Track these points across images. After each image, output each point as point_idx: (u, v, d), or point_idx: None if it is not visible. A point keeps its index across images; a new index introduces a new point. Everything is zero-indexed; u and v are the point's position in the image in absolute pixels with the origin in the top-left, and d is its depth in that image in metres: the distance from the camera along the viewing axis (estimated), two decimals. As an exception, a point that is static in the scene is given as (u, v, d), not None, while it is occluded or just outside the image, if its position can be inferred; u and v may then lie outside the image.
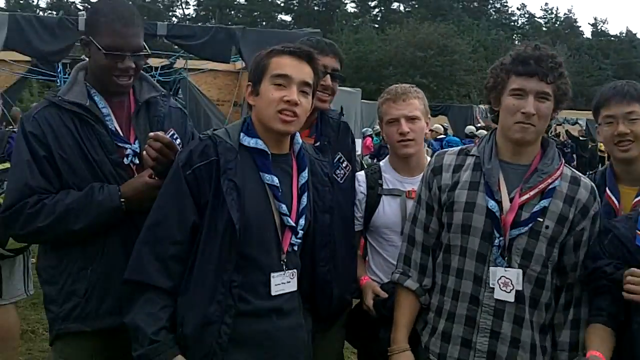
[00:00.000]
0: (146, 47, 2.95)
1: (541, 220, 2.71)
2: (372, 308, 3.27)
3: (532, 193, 2.71)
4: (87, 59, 2.94)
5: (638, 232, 2.62)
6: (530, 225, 2.70)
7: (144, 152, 2.73)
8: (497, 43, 65.39)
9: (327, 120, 3.39)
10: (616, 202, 3.04)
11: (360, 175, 3.54)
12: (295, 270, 2.69)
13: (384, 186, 3.47)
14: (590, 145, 22.86)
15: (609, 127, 3.09)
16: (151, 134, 2.74)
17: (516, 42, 76.57)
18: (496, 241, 2.71)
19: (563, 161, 2.84)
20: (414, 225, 3.01)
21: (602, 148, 22.17)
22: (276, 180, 2.59)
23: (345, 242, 3.31)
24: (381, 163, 3.63)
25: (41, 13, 56.64)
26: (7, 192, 2.82)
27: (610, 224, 2.77)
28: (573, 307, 2.83)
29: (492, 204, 2.72)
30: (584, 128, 24.97)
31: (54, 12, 62.14)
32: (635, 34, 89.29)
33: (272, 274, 2.59)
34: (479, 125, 21.32)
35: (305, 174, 2.74)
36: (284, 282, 2.62)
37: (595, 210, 2.81)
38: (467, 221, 2.78)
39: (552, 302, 2.82)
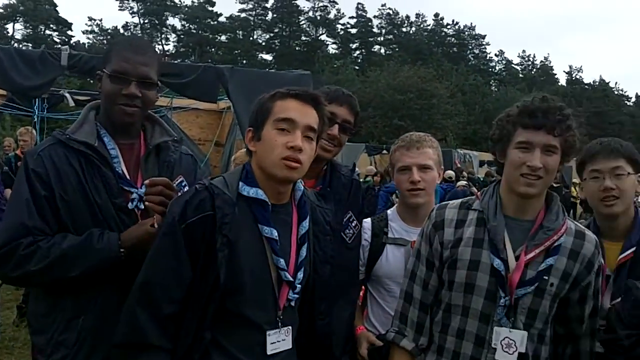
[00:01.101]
0: (158, 81, 2.86)
1: (546, 278, 2.60)
2: (366, 358, 3.15)
3: (537, 251, 2.61)
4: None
5: None
6: (536, 284, 2.59)
7: (146, 202, 2.64)
8: (474, 88, 66.50)
9: (339, 177, 3.27)
10: (601, 258, 2.95)
11: (366, 222, 3.42)
12: (290, 327, 2.55)
13: (389, 235, 3.35)
14: (563, 192, 23.13)
15: (595, 181, 3.08)
16: (146, 181, 2.65)
17: (493, 87, 78.16)
18: (501, 301, 2.60)
19: (566, 215, 2.75)
20: (412, 282, 2.89)
21: (575, 194, 22.46)
22: (275, 233, 2.44)
23: (350, 300, 3.24)
24: (389, 211, 3.51)
25: (16, 45, 56.35)
26: (1, 230, 2.67)
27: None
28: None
29: (497, 262, 2.61)
30: (559, 175, 25.24)
31: (30, 45, 61.79)
32: (607, 83, 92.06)
33: (267, 332, 2.45)
34: (455, 170, 21.40)
35: (305, 223, 2.60)
36: (279, 341, 2.49)
37: (599, 263, 2.73)
38: (471, 280, 2.66)
39: (550, 355, 2.73)
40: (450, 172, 19.94)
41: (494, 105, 60.99)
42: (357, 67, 72.66)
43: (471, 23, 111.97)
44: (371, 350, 3.15)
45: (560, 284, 2.62)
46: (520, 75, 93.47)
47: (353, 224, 3.28)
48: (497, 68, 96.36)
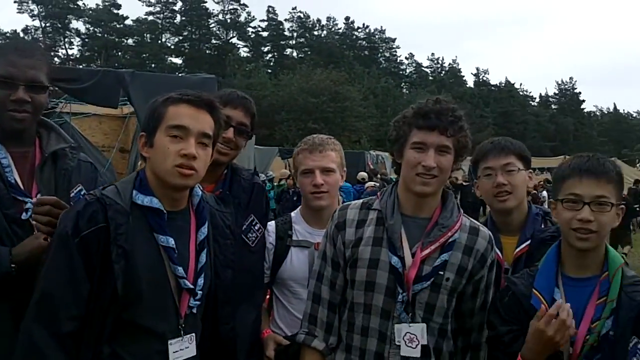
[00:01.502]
0: (49, 85, 2.77)
1: (442, 273, 2.70)
2: (273, 359, 3.16)
3: (433, 247, 2.70)
4: None
5: (534, 290, 2.60)
6: (432, 279, 2.68)
7: (33, 222, 2.55)
8: (386, 91, 67.71)
9: (239, 181, 3.26)
10: (499, 252, 3.08)
11: (271, 225, 3.44)
12: (194, 334, 2.52)
13: (294, 237, 3.38)
14: (473, 190, 23.78)
15: (488, 179, 3.23)
16: (34, 199, 2.57)
17: (404, 90, 79.71)
18: (399, 297, 2.67)
19: (462, 212, 2.86)
20: (320, 283, 2.92)
21: (485, 192, 23.17)
22: (171, 242, 2.40)
23: (254, 304, 3.24)
24: (293, 214, 3.53)
25: None
26: None
27: (510, 280, 2.77)
28: (470, 352, 2.87)
29: (395, 260, 2.68)
30: (467, 174, 25.88)
31: None
32: (513, 84, 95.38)
33: (169, 341, 2.41)
34: (367, 171, 21.75)
35: (204, 228, 2.58)
36: (182, 349, 2.46)
37: (492, 258, 2.85)
38: (371, 278, 2.73)
39: (453, 349, 2.83)
40: (363, 174, 20.25)
41: (405, 108, 61.79)
42: (269, 71, 72.49)
43: (381, 26, 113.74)
44: (279, 351, 3.16)
45: (456, 278, 2.72)
46: (430, 78, 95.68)
47: (256, 227, 3.28)
48: (407, 71, 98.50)
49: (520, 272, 2.85)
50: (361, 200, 2.98)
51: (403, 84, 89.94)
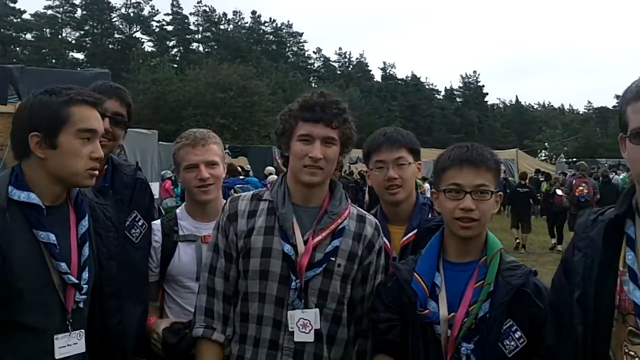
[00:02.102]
0: None
1: (334, 259, 2.78)
2: (161, 335, 3.13)
3: (324, 234, 2.79)
4: None
5: (415, 274, 2.69)
6: (324, 265, 2.76)
7: None
8: (294, 85, 67.95)
9: (122, 177, 3.24)
10: (387, 242, 3.18)
11: (156, 224, 3.44)
12: (82, 331, 2.51)
13: (180, 232, 3.38)
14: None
15: (380, 172, 3.30)
16: None
17: (313, 84, 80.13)
18: (293, 284, 2.73)
19: (349, 201, 2.96)
20: (213, 275, 2.91)
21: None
22: (52, 237, 2.37)
23: (141, 299, 3.23)
24: (177, 210, 3.54)
25: None
26: None
27: (395, 266, 2.86)
28: (359, 339, 2.96)
29: (287, 247, 2.75)
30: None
31: None
32: (419, 78, 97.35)
33: (55, 336, 2.39)
34: (275, 165, 21.83)
35: (85, 222, 2.57)
36: (69, 344, 2.44)
37: (379, 244, 2.97)
38: (265, 267, 2.77)
39: (347, 337, 2.90)
40: (271, 168, 20.32)
41: (313, 102, 62.48)
42: (175, 65, 71.20)
43: (288, 21, 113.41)
44: (167, 344, 3.11)
45: (348, 264, 2.82)
46: (338, 72, 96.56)
47: (139, 223, 3.28)
48: (315, 65, 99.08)
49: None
50: (251, 192, 3.02)
51: (311, 78, 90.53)
